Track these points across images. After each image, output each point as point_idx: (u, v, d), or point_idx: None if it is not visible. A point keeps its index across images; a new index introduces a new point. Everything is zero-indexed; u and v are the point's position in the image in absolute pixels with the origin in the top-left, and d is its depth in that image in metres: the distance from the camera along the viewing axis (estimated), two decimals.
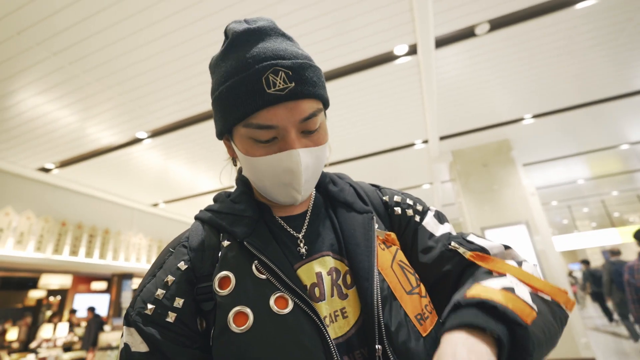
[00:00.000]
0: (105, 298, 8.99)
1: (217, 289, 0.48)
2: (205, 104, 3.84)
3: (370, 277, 0.49)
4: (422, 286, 0.54)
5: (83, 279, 8.80)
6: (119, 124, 4.14)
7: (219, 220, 0.55)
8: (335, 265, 0.53)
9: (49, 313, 8.29)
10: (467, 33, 3.09)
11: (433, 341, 0.47)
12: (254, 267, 0.49)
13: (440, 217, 0.64)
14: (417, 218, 0.63)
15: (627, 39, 3.41)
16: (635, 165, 7.60)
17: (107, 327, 6.65)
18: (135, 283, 8.89)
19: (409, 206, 0.65)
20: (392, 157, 5.84)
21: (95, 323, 6.52)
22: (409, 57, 3.34)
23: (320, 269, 0.52)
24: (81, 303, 8.54)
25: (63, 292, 8.68)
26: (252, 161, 0.52)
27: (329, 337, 0.44)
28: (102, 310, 8.23)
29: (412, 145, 5.45)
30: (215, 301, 0.47)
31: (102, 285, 9.13)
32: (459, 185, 5.69)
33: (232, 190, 0.67)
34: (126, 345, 0.46)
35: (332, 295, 0.50)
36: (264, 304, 0.45)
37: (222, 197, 0.63)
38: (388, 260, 0.53)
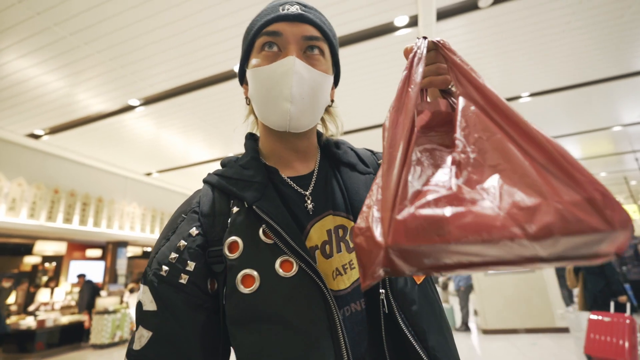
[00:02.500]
0: (100, 265, 9.13)
1: (227, 253, 0.51)
2: (200, 71, 3.74)
3: None
4: None
5: (78, 246, 8.87)
6: (110, 91, 4.03)
7: (229, 186, 0.57)
8: (342, 223, 0.56)
9: (44, 278, 8.43)
10: (470, 5, 3.00)
11: (424, 289, 0.54)
12: (261, 231, 0.51)
13: None
14: None
15: (633, 17, 3.35)
16: (625, 147, 7.70)
17: (103, 293, 6.82)
18: (130, 251, 9.02)
19: None
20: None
21: (88, 289, 6.68)
22: (409, 29, 3.25)
23: (330, 227, 0.55)
24: (76, 270, 8.68)
25: (58, 259, 8.78)
26: (257, 73, 0.57)
27: (330, 295, 0.47)
28: (98, 277, 8.40)
29: None
30: (226, 264, 0.51)
31: (97, 252, 9.22)
32: None
33: (240, 155, 0.70)
34: (139, 303, 0.50)
35: (339, 251, 0.54)
36: (270, 267, 0.48)
37: (230, 162, 0.63)
38: None
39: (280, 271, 0.48)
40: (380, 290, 0.49)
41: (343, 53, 3.54)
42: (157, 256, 0.52)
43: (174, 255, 0.51)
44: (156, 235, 7.67)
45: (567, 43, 3.70)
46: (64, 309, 6.78)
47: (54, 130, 4.95)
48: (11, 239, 7.36)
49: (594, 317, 2.74)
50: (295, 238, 0.49)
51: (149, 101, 4.28)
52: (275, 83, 0.55)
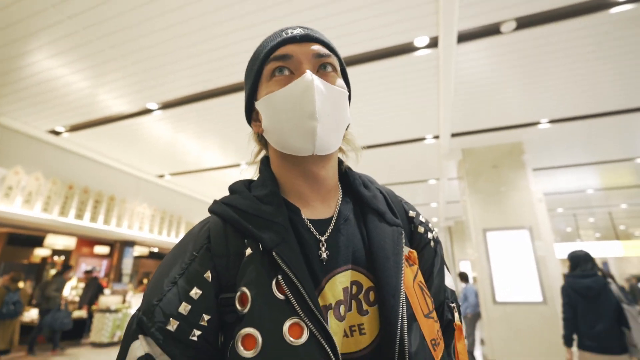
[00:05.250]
0: (104, 262, 9.25)
1: (238, 308, 0.45)
2: (218, 80, 3.80)
3: (396, 294, 0.47)
4: (435, 311, 0.53)
5: (87, 242, 9.01)
6: (131, 93, 4.12)
7: (244, 223, 0.49)
8: (358, 279, 0.50)
9: (53, 271, 8.55)
10: (492, 30, 2.98)
11: None
12: (274, 283, 0.45)
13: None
14: (432, 244, 0.62)
15: None
16: None
17: (107, 291, 6.86)
18: (137, 250, 9.09)
19: (430, 229, 0.63)
20: (400, 150, 5.78)
21: (93, 286, 6.73)
22: (428, 50, 3.24)
23: (347, 284, 0.49)
24: (84, 264, 8.80)
25: (67, 253, 8.92)
26: (273, 98, 0.53)
27: None
28: (100, 272, 8.51)
29: (422, 139, 5.37)
30: (237, 315, 0.45)
31: (104, 249, 9.35)
32: (466, 184, 5.63)
33: (248, 177, 0.63)
34: (149, 356, 0.42)
35: (349, 310, 0.48)
36: (277, 330, 0.42)
37: (243, 191, 0.56)
38: (410, 279, 0.51)
39: (288, 336, 0.41)
40: None
41: (362, 70, 3.56)
42: (163, 305, 0.44)
43: (185, 305, 0.44)
44: (164, 237, 7.72)
45: (590, 73, 3.63)
46: (69, 304, 6.83)
47: (74, 128, 5.08)
48: (24, 230, 7.52)
49: None
50: (311, 294, 0.43)
51: (166, 105, 4.37)
52: (295, 103, 0.50)
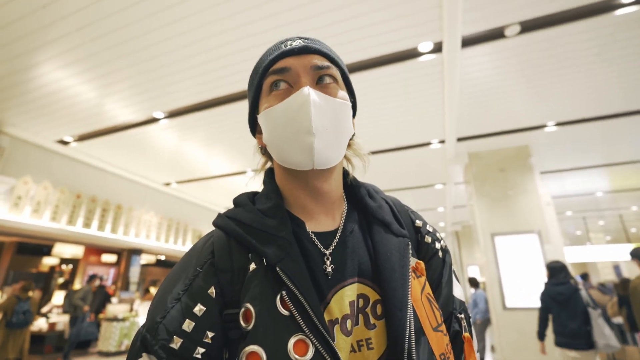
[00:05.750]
0: (111, 271, 9.32)
1: (242, 324, 0.44)
2: (223, 88, 3.83)
3: (403, 307, 0.46)
4: (444, 324, 0.52)
5: (94, 250, 9.07)
6: (137, 103, 4.17)
7: (248, 237, 0.49)
8: (365, 292, 0.49)
9: (60, 280, 8.61)
10: (496, 34, 2.97)
11: None
12: (278, 299, 0.44)
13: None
14: (440, 254, 0.60)
15: None
16: None
17: (114, 300, 6.87)
18: (144, 258, 9.12)
19: (438, 239, 0.62)
20: (406, 155, 5.76)
21: (100, 294, 6.77)
22: (433, 55, 3.24)
23: (353, 297, 0.48)
24: (91, 272, 8.86)
25: (75, 262, 8.98)
26: (271, 113, 0.52)
27: None
28: (107, 280, 8.55)
29: (428, 144, 5.35)
30: (241, 331, 0.44)
31: (112, 257, 9.40)
32: (473, 188, 5.59)
33: (252, 189, 0.62)
34: None
35: (356, 324, 0.47)
36: (282, 347, 0.41)
37: (247, 204, 0.55)
38: (418, 291, 0.50)
39: (293, 353, 0.40)
40: None
41: (365, 76, 3.57)
42: (166, 322, 0.43)
43: (189, 323, 0.43)
44: (170, 245, 7.74)
45: (596, 75, 3.60)
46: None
47: (82, 138, 5.15)
48: (32, 239, 7.60)
49: None
50: (316, 310, 0.43)
51: (172, 114, 4.41)
52: (292, 118, 0.50)
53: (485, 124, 4.75)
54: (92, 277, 6.39)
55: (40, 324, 5.98)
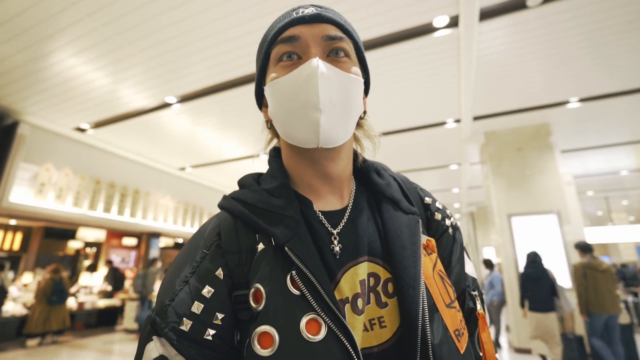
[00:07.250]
0: (132, 253, 9.75)
1: (252, 305, 0.43)
2: (235, 70, 3.80)
3: (416, 284, 0.45)
4: (457, 301, 0.51)
5: (116, 234, 9.42)
6: (150, 88, 4.20)
7: (254, 217, 0.48)
8: (375, 271, 0.48)
9: (86, 262, 9.02)
10: (518, 4, 2.81)
11: (468, 357, 0.46)
12: (288, 279, 0.43)
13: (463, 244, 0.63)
14: (451, 231, 0.59)
15: None
16: None
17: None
18: (162, 241, 9.42)
19: (448, 216, 0.61)
20: (420, 135, 5.64)
21: (111, 274, 7.25)
22: (448, 30, 3.11)
23: (364, 276, 0.47)
24: (114, 255, 9.26)
25: (98, 245, 9.36)
26: (277, 85, 0.50)
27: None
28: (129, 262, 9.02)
29: (443, 124, 5.22)
30: (252, 312, 0.44)
31: (132, 241, 9.75)
32: (489, 169, 5.46)
33: (258, 170, 0.60)
34: (163, 357, 0.42)
35: (368, 303, 0.46)
36: (294, 327, 0.40)
37: (252, 185, 0.53)
38: (429, 268, 0.49)
39: (306, 333, 0.40)
40: None
41: (378, 54, 3.46)
42: (175, 305, 0.43)
43: (197, 304, 0.43)
44: (187, 228, 7.95)
45: (625, 45, 3.38)
46: (101, 293, 7.21)
47: (98, 125, 5.25)
48: (58, 224, 7.93)
49: None
50: (327, 289, 0.42)
51: (185, 98, 4.42)
52: (298, 91, 0.47)
53: (503, 101, 4.58)
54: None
55: (70, 303, 6.31)
